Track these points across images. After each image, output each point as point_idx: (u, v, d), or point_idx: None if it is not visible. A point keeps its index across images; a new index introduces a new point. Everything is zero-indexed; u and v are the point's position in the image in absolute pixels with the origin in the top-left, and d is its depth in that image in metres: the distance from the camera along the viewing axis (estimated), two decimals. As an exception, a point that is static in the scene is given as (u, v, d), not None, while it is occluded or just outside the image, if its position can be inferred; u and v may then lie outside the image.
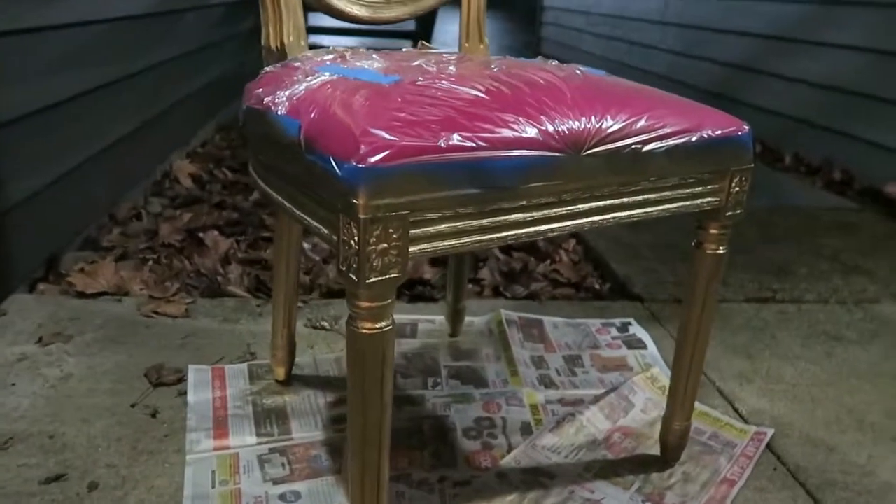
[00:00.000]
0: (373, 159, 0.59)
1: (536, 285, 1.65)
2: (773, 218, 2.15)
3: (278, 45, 0.95)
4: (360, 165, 0.59)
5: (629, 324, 1.42)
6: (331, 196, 0.63)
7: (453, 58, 0.89)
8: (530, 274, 1.72)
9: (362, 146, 0.60)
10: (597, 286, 1.67)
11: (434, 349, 1.31)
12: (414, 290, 1.57)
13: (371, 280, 0.62)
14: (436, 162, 0.62)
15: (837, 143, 2.65)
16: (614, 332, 1.39)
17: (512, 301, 1.55)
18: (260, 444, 1.02)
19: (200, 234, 1.83)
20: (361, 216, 0.60)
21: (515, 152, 0.66)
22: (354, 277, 0.62)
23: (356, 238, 0.61)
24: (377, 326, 0.64)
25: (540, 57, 0.99)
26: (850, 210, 2.28)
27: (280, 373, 1.16)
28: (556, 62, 0.94)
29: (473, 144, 0.64)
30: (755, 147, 3.06)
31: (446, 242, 0.66)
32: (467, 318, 1.38)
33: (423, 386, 1.19)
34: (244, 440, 1.02)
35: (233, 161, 2.58)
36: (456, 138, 0.63)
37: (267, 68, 0.90)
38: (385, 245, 0.61)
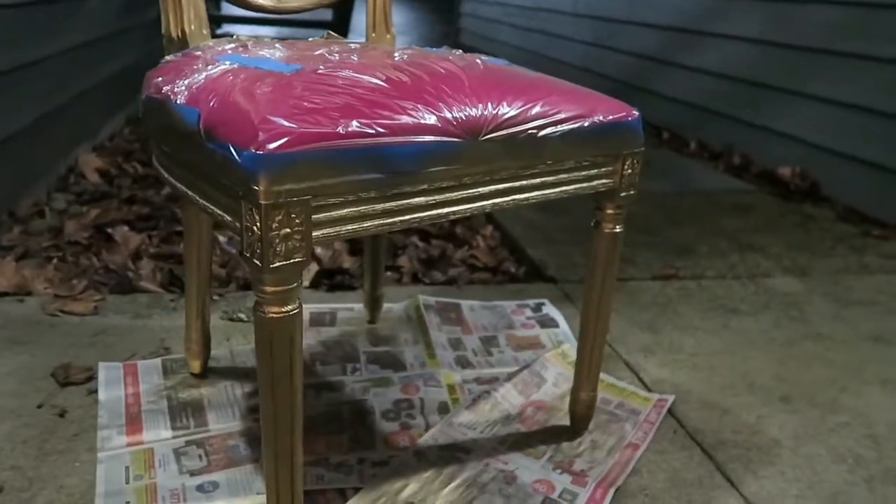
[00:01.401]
0: (272, 146, 0.60)
1: (454, 271, 1.69)
2: (679, 201, 2.26)
3: (179, 34, 0.94)
4: (260, 152, 0.60)
5: (543, 304, 1.48)
6: (232, 183, 0.64)
7: (357, 47, 0.90)
8: (448, 260, 1.75)
9: (261, 133, 0.61)
10: (513, 270, 1.72)
11: (353, 336, 1.32)
12: (333, 280, 1.58)
13: (275, 265, 0.63)
14: (335, 148, 0.64)
15: (736, 129, 2.81)
16: (528, 313, 1.45)
17: (430, 287, 1.58)
18: (175, 437, 1.01)
19: (109, 230, 1.77)
20: (262, 202, 0.61)
21: (415, 138, 0.69)
22: (258, 262, 0.63)
23: (258, 224, 0.62)
24: (284, 310, 0.66)
25: (445, 47, 1.02)
26: (748, 192, 2.42)
27: (195, 366, 1.15)
28: (459, 52, 0.97)
29: (373, 131, 0.66)
30: (662, 135, 3.19)
31: (350, 226, 0.67)
32: (386, 305, 1.40)
33: (342, 372, 1.20)
34: (159, 434, 1.01)
35: (143, 154, 2.51)
36: (355, 125, 0.65)
37: (167, 57, 0.89)
38: (288, 230, 0.63)
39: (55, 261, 1.59)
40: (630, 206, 0.93)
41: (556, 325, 1.39)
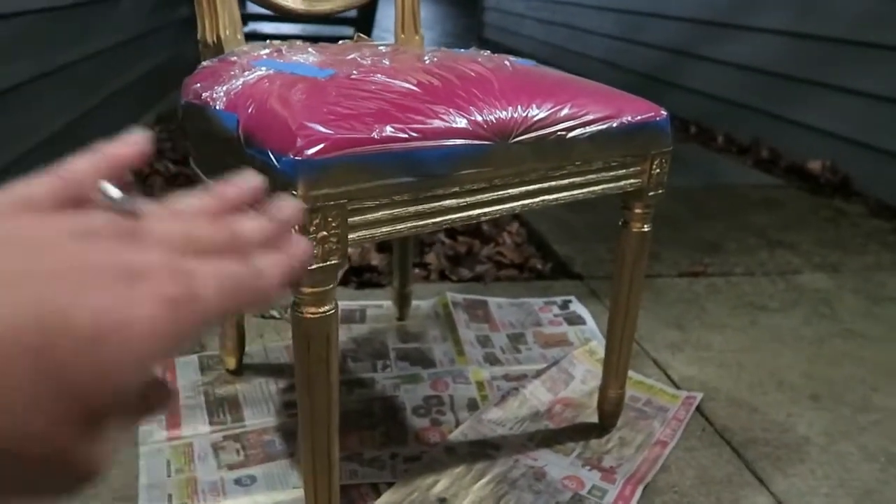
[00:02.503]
0: (309, 152, 0.62)
1: (481, 267, 1.70)
2: (706, 196, 2.25)
3: (215, 39, 0.96)
4: (298, 158, 0.62)
5: (570, 301, 1.49)
6: (270, 188, 0.66)
7: (387, 50, 0.92)
8: (475, 257, 1.77)
9: (299, 139, 0.63)
10: (539, 266, 1.73)
11: (382, 333, 1.34)
12: (362, 277, 1.60)
13: (313, 267, 0.65)
14: (370, 153, 0.65)
15: (765, 123, 2.78)
16: (556, 310, 1.45)
17: (457, 284, 1.59)
18: (213, 432, 1.04)
19: (144, 229, 1.81)
20: (301, 206, 0.63)
21: (447, 142, 0.70)
22: (297, 265, 0.65)
23: (296, 228, 0.64)
24: (321, 311, 0.68)
25: (473, 47, 1.03)
26: (777, 187, 2.39)
27: (230, 362, 1.18)
28: (487, 52, 0.98)
29: (406, 135, 0.67)
30: (689, 129, 3.17)
31: (384, 228, 0.69)
32: (414, 302, 1.42)
33: (373, 369, 1.22)
34: (197, 429, 1.04)
35: (174, 153, 2.55)
36: (389, 130, 0.67)
37: (204, 63, 0.91)
38: (325, 233, 0.65)
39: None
40: (660, 203, 0.94)
41: (584, 323, 1.40)
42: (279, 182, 0.64)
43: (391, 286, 1.40)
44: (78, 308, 0.23)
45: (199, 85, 0.81)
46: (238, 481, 0.93)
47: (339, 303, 1.44)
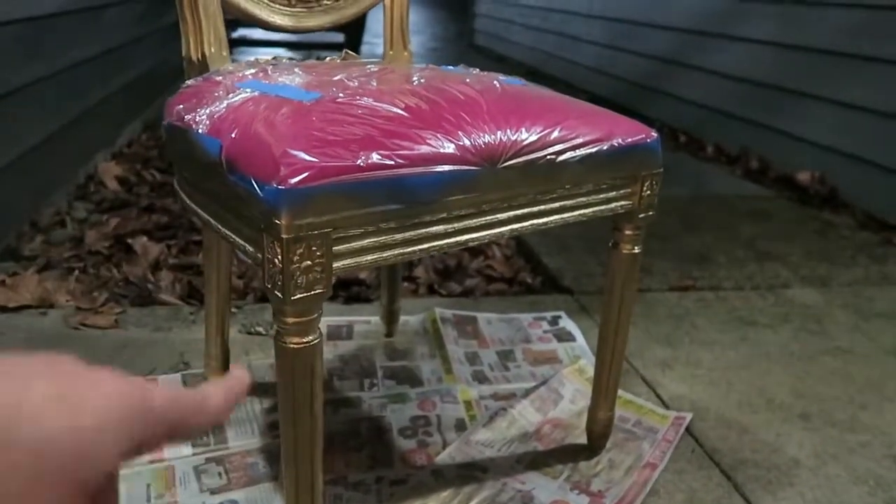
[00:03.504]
0: (293, 181, 0.61)
1: (471, 282, 1.69)
2: (695, 206, 2.25)
3: (199, 57, 0.94)
4: (281, 187, 0.61)
5: (559, 317, 1.48)
6: (253, 216, 0.65)
7: (375, 70, 0.91)
8: (464, 270, 1.75)
9: (282, 168, 0.62)
10: (529, 280, 1.72)
11: (370, 350, 1.33)
12: (349, 291, 1.59)
13: (296, 297, 0.64)
14: (356, 181, 0.64)
15: (754, 133, 2.78)
16: (545, 326, 1.44)
17: (447, 298, 1.58)
18: (195, 454, 1.02)
19: (129, 241, 1.79)
20: (284, 236, 0.61)
21: (434, 168, 0.69)
22: (280, 294, 0.64)
23: (280, 257, 0.62)
24: (304, 341, 0.66)
25: (462, 65, 1.02)
26: (765, 198, 2.40)
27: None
28: (476, 70, 0.97)
29: (392, 162, 0.66)
30: (679, 138, 3.18)
31: (370, 257, 0.68)
32: (402, 318, 1.41)
33: (360, 387, 1.21)
34: (179, 451, 1.02)
35: (160, 162, 2.53)
36: (375, 157, 0.65)
37: (188, 81, 0.89)
38: (309, 262, 0.63)
39: (76, 272, 1.61)
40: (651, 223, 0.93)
41: (573, 339, 1.39)
42: (262, 211, 0.62)
43: (379, 302, 1.39)
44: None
45: (181, 107, 0.79)
46: (221, 507, 0.91)
47: (327, 319, 1.43)
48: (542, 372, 1.27)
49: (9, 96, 1.71)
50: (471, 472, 1.00)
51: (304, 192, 0.61)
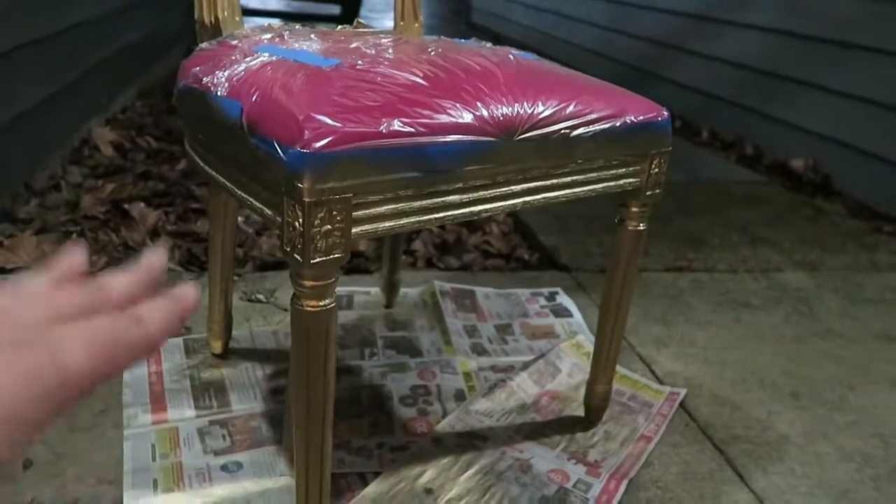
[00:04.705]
0: (317, 145, 0.61)
1: (468, 256, 1.70)
2: (690, 191, 2.27)
3: (212, 21, 0.94)
4: (305, 151, 0.61)
5: (556, 293, 1.49)
6: (274, 179, 0.65)
7: (389, 40, 0.91)
8: (463, 245, 1.77)
9: (306, 132, 0.62)
10: (526, 257, 1.74)
11: (370, 320, 1.34)
12: (350, 262, 1.59)
13: (315, 260, 0.65)
14: (377, 147, 0.65)
15: (749, 119, 2.80)
16: (542, 302, 1.46)
17: (445, 272, 1.59)
18: (199, 416, 1.03)
19: (126, 206, 1.79)
20: (306, 199, 0.62)
21: (453, 138, 0.70)
22: (299, 258, 0.65)
23: (301, 220, 0.63)
24: (321, 304, 0.67)
25: (474, 38, 1.02)
26: (759, 184, 2.42)
27: (217, 346, 1.17)
28: (489, 44, 0.97)
29: (413, 130, 0.67)
30: (674, 123, 3.19)
31: (387, 223, 0.69)
32: (402, 290, 1.42)
33: (361, 356, 1.22)
34: (183, 413, 1.03)
35: (156, 129, 2.51)
36: (396, 124, 0.66)
37: (202, 45, 0.89)
38: (329, 227, 0.64)
39: (74, 236, 1.61)
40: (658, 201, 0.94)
41: (570, 315, 1.41)
42: (284, 175, 0.63)
43: (379, 273, 1.40)
44: None
45: (198, 69, 0.79)
46: (224, 467, 0.93)
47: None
48: (540, 346, 1.29)
49: (3, 57, 1.69)
50: (470, 441, 1.02)
51: (327, 156, 0.62)
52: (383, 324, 1.33)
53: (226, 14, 0.94)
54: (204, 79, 0.76)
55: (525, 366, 1.21)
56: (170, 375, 1.12)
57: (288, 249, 0.66)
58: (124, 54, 2.75)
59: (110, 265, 1.48)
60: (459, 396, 1.13)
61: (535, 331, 1.35)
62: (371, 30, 1.05)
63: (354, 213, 0.65)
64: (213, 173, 0.80)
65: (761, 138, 2.72)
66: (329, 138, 0.62)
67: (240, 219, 1.70)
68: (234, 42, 0.85)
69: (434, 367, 1.20)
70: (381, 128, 0.65)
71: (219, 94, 0.73)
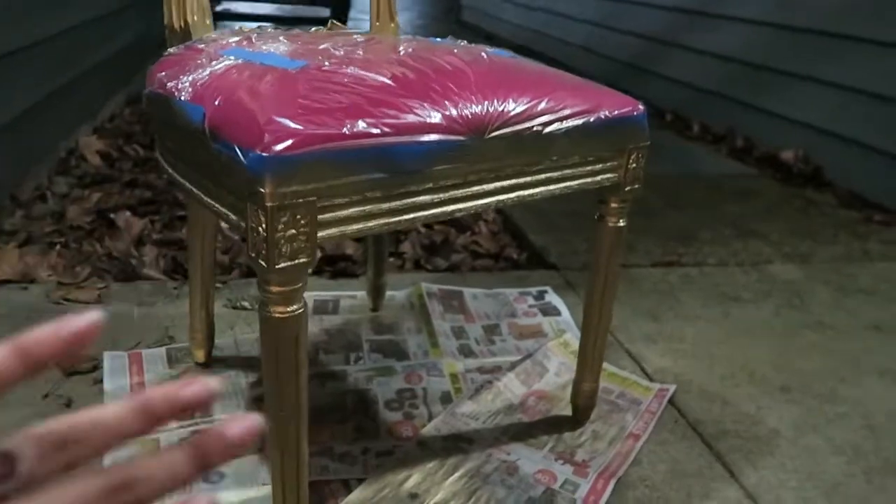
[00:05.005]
0: (277, 148, 0.60)
1: (457, 257, 1.69)
2: (681, 185, 2.26)
3: (182, 25, 0.93)
4: (265, 154, 0.60)
5: (545, 292, 1.48)
6: (237, 184, 0.64)
7: (362, 40, 0.90)
8: (451, 246, 1.75)
9: (267, 135, 0.61)
10: (515, 256, 1.72)
11: (356, 324, 1.33)
12: (336, 266, 1.58)
13: (280, 266, 0.63)
14: (341, 149, 0.64)
15: (740, 112, 2.79)
16: (531, 301, 1.45)
17: (433, 274, 1.58)
18: (181, 427, 1.02)
19: (111, 216, 1.77)
20: (268, 204, 0.61)
21: (421, 137, 0.68)
22: (264, 263, 0.63)
23: (264, 225, 0.62)
24: (289, 310, 0.66)
25: (450, 37, 1.01)
26: (750, 176, 2.41)
27: (199, 355, 1.16)
28: (464, 42, 0.96)
29: (378, 131, 0.66)
30: (665, 117, 3.18)
31: (355, 226, 0.68)
32: (388, 293, 1.41)
33: (346, 361, 1.21)
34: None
35: (144, 137, 2.49)
36: (361, 125, 0.65)
37: (170, 49, 0.88)
38: (293, 231, 0.63)
39: (58, 247, 1.59)
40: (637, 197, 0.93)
41: (559, 314, 1.40)
42: (246, 179, 0.62)
43: (365, 276, 1.38)
44: None
45: (163, 74, 0.78)
46: (206, 478, 0.91)
47: (313, 293, 1.43)
48: (528, 346, 1.28)
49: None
50: (456, 444, 1.01)
51: (288, 159, 0.61)
52: (369, 327, 1.32)
53: (195, 18, 0.93)
54: (168, 84, 0.75)
55: (512, 366, 1.19)
56: (151, 386, 1.10)
57: (253, 255, 0.64)
58: (112, 61, 2.74)
59: (93, 276, 1.47)
60: (446, 399, 1.12)
61: (522, 330, 1.34)
62: (345, 30, 1.03)
63: (320, 217, 0.64)
64: (182, 180, 0.79)
65: (752, 131, 2.71)
66: (290, 141, 0.61)
67: (224, 225, 1.69)
68: (202, 46, 0.84)
69: (420, 370, 1.18)
70: (345, 129, 0.64)
71: (182, 98, 0.72)
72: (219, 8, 5.69)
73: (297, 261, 0.64)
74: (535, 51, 4.67)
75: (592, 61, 3.94)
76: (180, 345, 1.21)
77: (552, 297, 1.46)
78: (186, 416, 0.96)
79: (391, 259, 1.64)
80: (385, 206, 0.69)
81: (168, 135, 0.81)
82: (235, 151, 0.62)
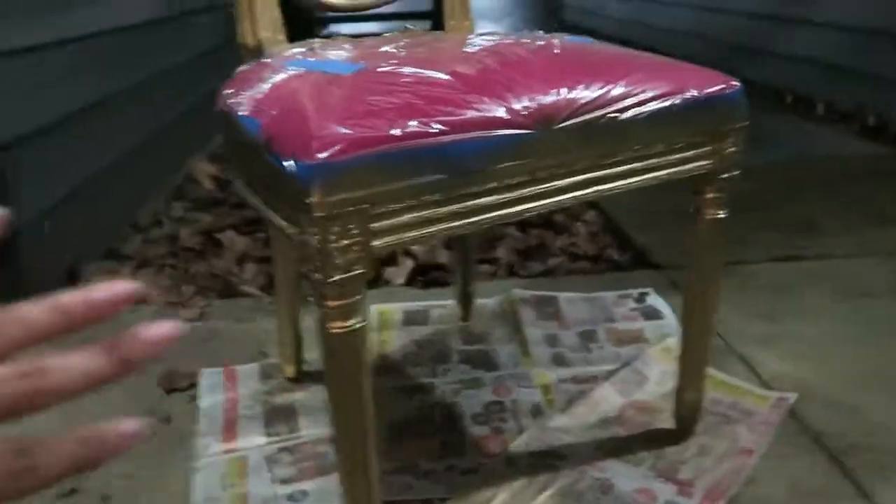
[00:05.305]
0: (322, 155, 0.58)
1: (553, 261, 1.62)
2: (802, 171, 2.07)
3: (255, 42, 0.93)
4: (311, 162, 0.58)
5: (647, 294, 1.39)
6: (291, 195, 0.62)
7: (429, 40, 0.86)
8: (547, 250, 1.69)
9: (313, 142, 0.58)
10: (615, 257, 1.63)
11: (445, 335, 1.29)
12: (428, 276, 1.56)
13: (335, 278, 0.61)
14: (392, 151, 0.60)
15: (870, 87, 2.53)
16: (631, 304, 1.36)
17: (526, 279, 1.52)
18: (269, 443, 1.02)
19: (218, 235, 1.84)
20: (317, 214, 0.58)
21: (480, 134, 0.64)
22: (319, 276, 0.61)
23: (316, 236, 0.59)
24: (347, 325, 0.63)
25: (526, 30, 0.96)
26: (884, 157, 2.17)
27: (289, 370, 1.16)
28: (540, 32, 0.91)
29: (433, 130, 0.62)
30: (785, 98, 2.94)
31: (413, 233, 0.64)
32: (480, 301, 1.36)
33: (433, 374, 1.17)
34: (253, 441, 1.02)
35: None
36: (413, 125, 0.61)
37: (241, 67, 0.88)
38: (346, 241, 0.60)
39: (168, 269, 1.67)
40: (736, 185, 0.84)
41: (662, 317, 1.30)
42: (296, 189, 0.59)
43: (454, 285, 1.35)
44: None
45: (228, 92, 0.78)
46: (290, 497, 0.90)
47: (404, 304, 1.41)
48: (627, 352, 1.19)
49: (103, 104, 1.79)
50: (546, 460, 0.95)
51: (334, 166, 0.58)
52: (459, 337, 1.28)
53: (268, 34, 0.93)
54: (230, 101, 0.75)
55: (609, 375, 1.12)
56: (244, 401, 1.12)
57: (309, 269, 0.62)
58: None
59: (197, 294, 1.52)
60: (536, 412, 1.06)
61: (621, 336, 1.25)
62: (417, 32, 1.01)
63: (373, 225, 0.61)
64: (251, 197, 0.78)
65: (886, 106, 2.45)
66: (336, 147, 0.58)
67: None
68: (268, 61, 0.83)
69: (509, 382, 1.13)
70: (396, 130, 0.60)
71: (241, 113, 0.71)
72: (325, 32, 5.91)
73: (351, 272, 0.61)
74: (639, 44, 4.50)
75: (699, 47, 3.73)
76: (273, 360, 1.22)
77: (654, 300, 1.36)
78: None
79: (484, 266, 1.60)
80: (444, 209, 0.64)
81: (236, 151, 0.80)
82: (286, 161, 0.60)
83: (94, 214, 1.75)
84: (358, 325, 0.63)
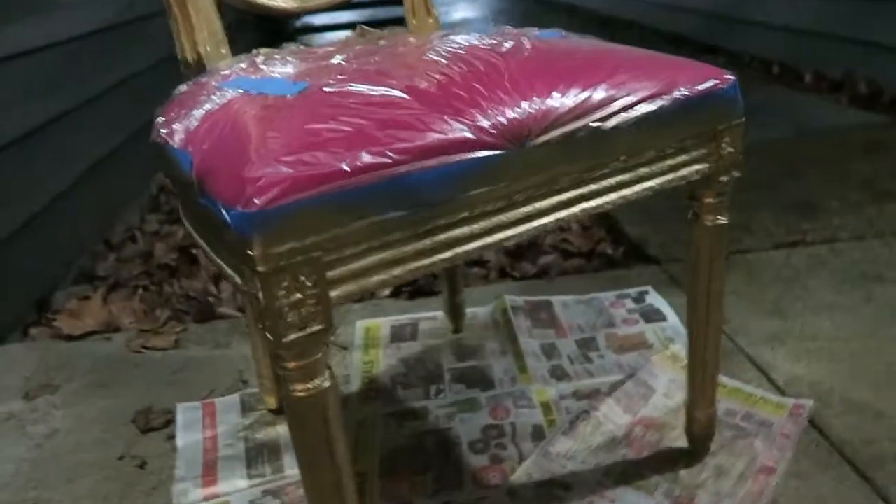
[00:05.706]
0: (259, 201, 0.49)
1: (546, 259, 1.55)
2: (797, 147, 1.99)
3: (194, 57, 0.85)
4: (247, 211, 0.49)
5: (646, 293, 1.31)
6: (231, 243, 0.54)
7: (384, 45, 0.78)
8: (539, 247, 1.61)
9: (248, 186, 0.50)
10: (609, 252, 1.56)
11: (436, 351, 1.22)
12: (414, 285, 1.48)
13: (290, 338, 0.53)
14: (342, 189, 0.52)
15: (860, 52, 2.44)
16: (630, 305, 1.28)
17: (519, 282, 1.44)
18: (252, 486, 0.95)
19: (193, 251, 1.76)
20: (260, 269, 0.50)
21: (443, 159, 0.56)
22: (271, 336, 0.53)
23: (261, 293, 0.51)
24: (310, 386, 0.55)
25: (491, 24, 0.87)
26: (880, 126, 2.09)
27: (271, 402, 1.09)
28: (508, 28, 0.82)
29: (387, 160, 0.53)
30: (771, 69, 2.85)
31: (377, 277, 0.56)
32: (471, 310, 1.29)
33: (426, 395, 1.10)
34: (235, 485, 0.95)
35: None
36: (365, 156, 0.53)
37: (180, 88, 0.80)
38: (299, 295, 0.52)
39: (141, 291, 1.59)
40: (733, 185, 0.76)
41: (663, 319, 1.22)
42: (235, 240, 0.51)
43: (442, 296, 1.27)
44: None
45: (163, 118, 0.70)
46: (275, 553, 0.83)
47: (390, 318, 1.32)
48: (629, 360, 1.12)
49: (64, 117, 1.71)
50: (550, 491, 0.88)
51: (276, 212, 0.50)
52: (451, 353, 1.20)
53: (208, 48, 0.84)
54: (163, 130, 0.66)
55: (612, 388, 1.04)
56: (224, 439, 1.04)
57: (261, 326, 0.54)
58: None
59: (172, 319, 1.44)
60: (537, 434, 0.98)
61: (623, 342, 1.18)
62: (375, 34, 0.92)
63: (329, 273, 0.53)
64: (197, 237, 0.70)
65: (877, 73, 2.37)
66: (275, 190, 0.50)
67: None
68: (205, 80, 0.75)
69: (507, 401, 1.06)
70: (344, 164, 0.52)
71: (173, 145, 0.63)
72: (298, 23, 5.76)
73: (308, 330, 0.53)
74: (621, 18, 4.39)
75: (681, 19, 3.63)
76: (254, 390, 1.15)
77: (654, 299, 1.28)
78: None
79: (474, 269, 1.52)
80: (411, 247, 0.56)
81: (176, 187, 0.72)
82: (220, 208, 0.52)
83: (63, 235, 1.67)
84: (324, 385, 0.55)
